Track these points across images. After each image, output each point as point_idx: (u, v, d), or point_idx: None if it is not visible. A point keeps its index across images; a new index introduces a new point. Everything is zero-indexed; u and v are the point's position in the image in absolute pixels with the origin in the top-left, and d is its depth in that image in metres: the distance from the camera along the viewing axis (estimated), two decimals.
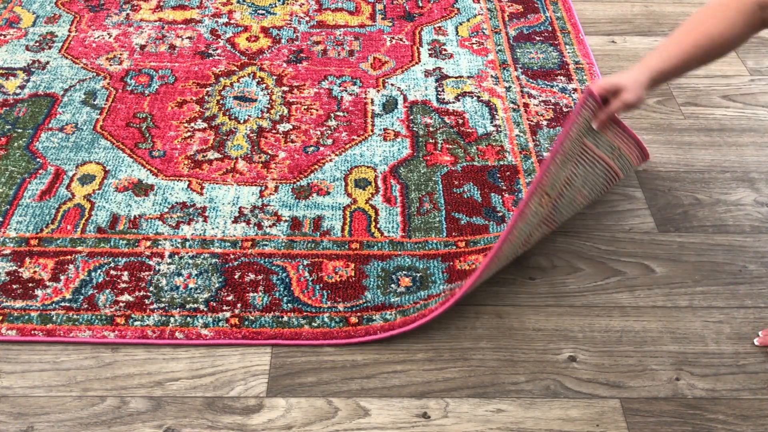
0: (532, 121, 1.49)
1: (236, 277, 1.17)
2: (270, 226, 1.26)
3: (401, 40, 1.71)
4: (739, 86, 1.63)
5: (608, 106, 1.13)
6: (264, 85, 1.56)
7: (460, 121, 1.48)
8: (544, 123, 1.48)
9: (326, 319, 1.11)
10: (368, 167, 1.38)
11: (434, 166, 1.38)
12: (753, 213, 1.33)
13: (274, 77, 1.58)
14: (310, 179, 1.35)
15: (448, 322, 1.13)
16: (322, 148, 1.41)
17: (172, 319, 1.11)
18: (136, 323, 1.10)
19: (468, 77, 1.60)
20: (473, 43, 1.71)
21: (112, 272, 1.17)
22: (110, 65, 1.60)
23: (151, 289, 1.15)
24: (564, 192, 1.16)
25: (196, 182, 1.33)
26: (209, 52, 1.65)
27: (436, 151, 1.41)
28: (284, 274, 1.18)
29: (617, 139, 1.21)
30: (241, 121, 1.47)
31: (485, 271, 1.10)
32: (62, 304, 1.12)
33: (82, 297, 1.13)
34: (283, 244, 1.23)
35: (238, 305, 1.13)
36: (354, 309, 1.13)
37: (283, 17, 1.77)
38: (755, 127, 1.51)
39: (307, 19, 1.77)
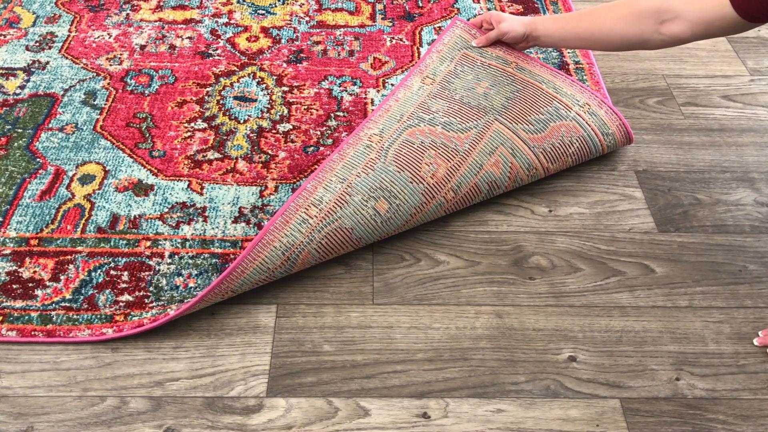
0: None
1: None
2: None
3: (401, 40, 1.71)
4: (739, 86, 1.63)
5: (489, 33, 1.37)
6: (264, 85, 1.56)
7: None
8: None
9: None
10: None
11: None
12: (753, 213, 1.33)
13: (274, 77, 1.58)
14: None
15: (448, 322, 1.13)
16: (322, 148, 1.41)
17: None
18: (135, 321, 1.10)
19: None
20: None
21: (112, 272, 1.17)
22: (110, 65, 1.60)
23: (151, 289, 1.15)
24: (452, 80, 1.32)
25: (196, 182, 1.33)
26: (209, 52, 1.65)
27: None
28: None
29: (518, 59, 1.38)
30: (241, 121, 1.47)
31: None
32: (62, 304, 1.12)
33: (82, 297, 1.13)
34: None
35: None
36: None
37: (283, 17, 1.77)
38: (755, 127, 1.51)
39: (307, 19, 1.77)
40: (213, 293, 1.07)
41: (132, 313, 1.11)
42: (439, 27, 1.75)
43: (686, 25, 1.11)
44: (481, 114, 1.25)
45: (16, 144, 1.40)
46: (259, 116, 1.48)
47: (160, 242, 1.22)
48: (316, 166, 1.37)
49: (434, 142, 1.21)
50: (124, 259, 1.19)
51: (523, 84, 1.31)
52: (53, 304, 1.12)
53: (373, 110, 1.21)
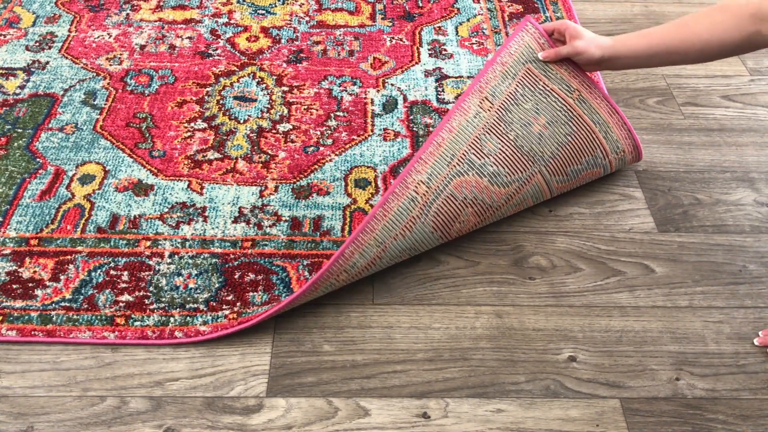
0: None
1: (236, 277, 1.17)
2: (270, 226, 1.26)
3: (401, 40, 1.71)
4: (739, 86, 1.63)
5: (559, 46, 1.22)
6: (264, 85, 1.56)
7: None
8: None
9: None
10: (368, 167, 1.38)
11: None
12: (753, 213, 1.33)
13: (274, 77, 1.58)
14: (310, 179, 1.35)
15: (448, 322, 1.13)
16: (322, 148, 1.41)
17: (171, 319, 1.11)
18: (136, 323, 1.10)
19: (468, 77, 1.60)
20: (473, 43, 1.71)
21: (112, 272, 1.17)
22: (110, 65, 1.60)
23: (151, 289, 1.15)
24: (510, 108, 1.18)
25: (196, 182, 1.33)
26: (209, 52, 1.65)
27: None
28: (284, 274, 1.18)
29: (582, 86, 1.24)
30: (241, 121, 1.47)
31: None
32: (62, 304, 1.12)
33: (82, 297, 1.13)
34: (283, 244, 1.23)
35: (238, 305, 1.13)
36: None
37: (283, 17, 1.77)
38: (755, 127, 1.51)
39: (307, 19, 1.77)
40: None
41: (133, 315, 1.11)
42: (439, 27, 1.75)
43: None
44: (529, 164, 1.19)
45: (16, 144, 1.40)
46: (259, 116, 1.48)
47: (160, 242, 1.22)
48: (316, 166, 1.37)
49: (476, 198, 1.16)
50: (124, 259, 1.19)
51: (578, 125, 1.23)
52: (53, 304, 1.12)
53: (429, 135, 1.11)
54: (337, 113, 1.50)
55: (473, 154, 1.15)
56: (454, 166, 1.14)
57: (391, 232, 1.11)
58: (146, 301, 1.13)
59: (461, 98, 1.15)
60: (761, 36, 1.08)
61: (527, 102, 1.18)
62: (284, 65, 1.62)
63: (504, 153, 1.17)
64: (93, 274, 1.17)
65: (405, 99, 1.54)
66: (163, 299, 1.13)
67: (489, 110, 1.14)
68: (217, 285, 1.16)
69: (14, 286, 1.15)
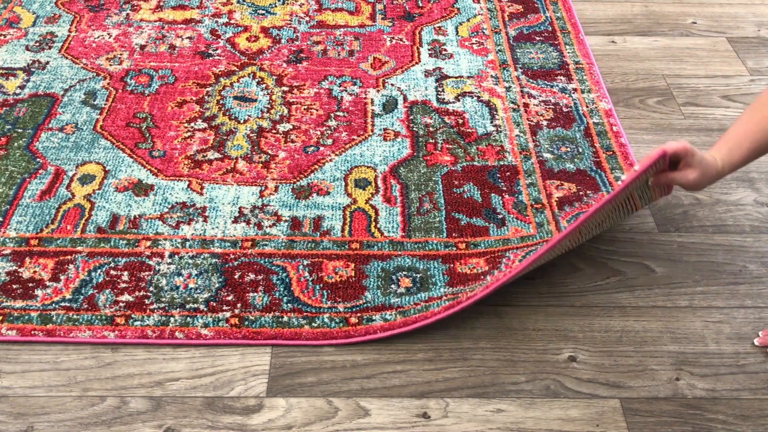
0: (532, 121, 1.49)
1: (236, 277, 1.17)
2: (270, 226, 1.26)
3: (401, 40, 1.71)
4: (739, 86, 1.63)
5: (672, 173, 1.05)
6: (264, 85, 1.56)
7: (460, 121, 1.48)
8: (544, 123, 1.48)
9: (326, 320, 1.11)
10: (368, 167, 1.38)
11: (434, 166, 1.38)
12: (753, 213, 1.33)
13: (274, 77, 1.58)
14: (310, 179, 1.35)
15: (448, 322, 1.13)
16: (322, 148, 1.41)
17: (172, 319, 1.11)
18: (136, 323, 1.10)
19: (468, 77, 1.60)
20: (473, 43, 1.71)
21: (112, 272, 1.17)
22: (110, 65, 1.60)
23: (151, 289, 1.15)
24: (591, 229, 1.14)
25: (196, 182, 1.33)
26: (209, 52, 1.65)
27: (436, 151, 1.41)
28: (284, 274, 1.18)
29: (659, 194, 1.17)
30: (241, 121, 1.47)
31: (495, 285, 1.10)
32: (62, 304, 1.12)
33: (82, 297, 1.13)
34: (283, 244, 1.23)
35: (238, 305, 1.13)
36: (354, 309, 1.13)
37: (283, 17, 1.77)
38: None
39: (307, 19, 1.77)
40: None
41: (133, 315, 1.11)
42: (439, 27, 1.75)
43: None
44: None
45: (16, 144, 1.40)
46: (259, 116, 1.48)
47: (160, 242, 1.22)
48: (316, 166, 1.37)
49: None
50: (124, 259, 1.19)
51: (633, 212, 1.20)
52: (53, 304, 1.12)
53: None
54: (337, 113, 1.50)
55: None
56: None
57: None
58: (146, 301, 1.13)
59: (555, 240, 1.07)
60: None
61: (608, 220, 1.15)
62: (284, 65, 1.62)
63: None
64: (93, 274, 1.17)
65: (405, 99, 1.54)
66: (163, 299, 1.13)
67: (573, 241, 1.13)
68: (217, 285, 1.16)
69: (14, 286, 1.14)
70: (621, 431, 1.00)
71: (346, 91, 1.55)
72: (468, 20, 1.79)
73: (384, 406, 1.02)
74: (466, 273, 1.18)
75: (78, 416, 1.00)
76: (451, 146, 1.42)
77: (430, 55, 1.67)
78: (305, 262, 1.20)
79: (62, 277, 1.16)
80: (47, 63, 1.60)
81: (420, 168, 1.38)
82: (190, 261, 1.19)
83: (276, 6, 1.81)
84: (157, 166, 1.36)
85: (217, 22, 1.75)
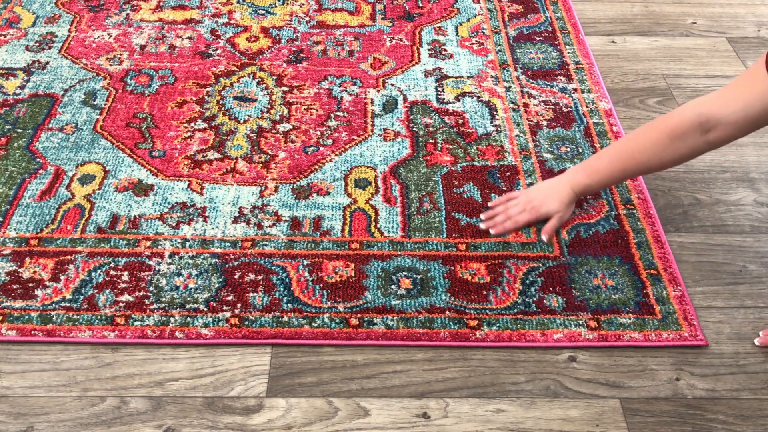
0: (532, 121, 1.49)
1: (236, 277, 1.17)
2: (270, 226, 1.26)
3: (401, 40, 1.71)
4: None
5: (549, 224, 1.24)
6: (264, 86, 1.56)
7: (460, 121, 1.48)
8: (544, 123, 1.48)
9: (326, 320, 1.11)
10: (368, 167, 1.38)
11: (434, 166, 1.38)
12: (753, 213, 1.33)
13: (274, 77, 1.58)
14: (310, 179, 1.35)
15: None
16: (322, 148, 1.41)
17: (172, 319, 1.11)
18: (136, 323, 1.10)
19: (468, 77, 1.60)
20: (473, 43, 1.71)
21: (112, 272, 1.17)
22: (110, 65, 1.60)
23: (151, 289, 1.15)
24: None
25: (196, 182, 1.33)
26: (209, 52, 1.65)
27: (436, 151, 1.41)
28: (284, 274, 1.18)
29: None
30: (241, 121, 1.47)
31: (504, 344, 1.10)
32: (62, 304, 1.12)
33: (82, 297, 1.13)
34: (283, 244, 1.23)
35: (238, 305, 1.13)
36: (354, 310, 1.13)
37: (283, 17, 1.77)
38: None
39: (307, 19, 1.77)
40: None
41: (133, 315, 1.11)
42: (439, 27, 1.75)
43: (732, 127, 1.05)
44: None
45: (16, 144, 1.40)
46: (259, 116, 1.48)
47: (160, 242, 1.22)
48: (316, 166, 1.37)
49: None
50: (124, 259, 1.19)
51: None
52: (53, 304, 1.12)
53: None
54: (337, 113, 1.50)
55: None
56: None
57: None
58: (146, 301, 1.13)
59: None
60: (708, 144, 1.09)
61: None
62: (284, 65, 1.62)
63: None
64: (93, 274, 1.17)
65: (405, 99, 1.54)
66: (163, 299, 1.13)
67: None
68: (217, 285, 1.16)
69: (14, 286, 1.15)
70: (621, 431, 1.00)
71: (346, 91, 1.55)
72: (468, 20, 1.79)
73: (384, 406, 1.02)
74: (467, 279, 1.17)
75: (78, 416, 1.00)
76: (451, 146, 1.42)
77: (430, 55, 1.67)
78: (305, 262, 1.20)
79: (62, 277, 1.16)
80: (47, 63, 1.60)
81: (420, 168, 1.38)
82: (190, 261, 1.19)
83: (276, 6, 1.81)
84: (157, 166, 1.36)
85: (217, 22, 1.75)
